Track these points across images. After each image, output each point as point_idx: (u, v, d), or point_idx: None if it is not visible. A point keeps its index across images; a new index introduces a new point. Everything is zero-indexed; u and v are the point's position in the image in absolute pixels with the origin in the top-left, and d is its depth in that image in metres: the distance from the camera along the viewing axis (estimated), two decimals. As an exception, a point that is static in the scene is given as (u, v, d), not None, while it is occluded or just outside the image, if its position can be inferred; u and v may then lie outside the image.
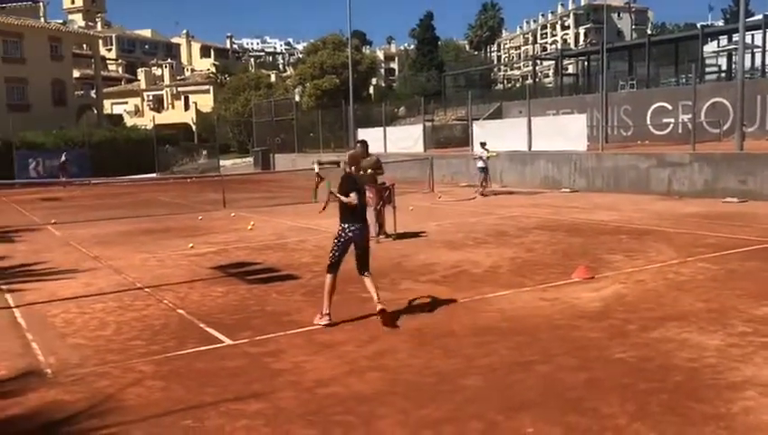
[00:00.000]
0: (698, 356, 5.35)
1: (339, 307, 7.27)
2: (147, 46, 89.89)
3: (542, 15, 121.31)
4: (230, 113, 53.02)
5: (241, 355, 5.84)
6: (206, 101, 63.17)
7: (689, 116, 21.65)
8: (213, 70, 71.49)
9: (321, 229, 13.66)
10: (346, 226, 6.59)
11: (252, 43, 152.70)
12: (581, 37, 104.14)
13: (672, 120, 26.09)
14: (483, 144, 19.99)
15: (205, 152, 40.05)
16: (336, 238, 6.64)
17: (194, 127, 59.74)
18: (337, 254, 6.59)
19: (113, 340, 6.40)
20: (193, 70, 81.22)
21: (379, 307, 6.53)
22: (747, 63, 28.41)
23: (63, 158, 33.73)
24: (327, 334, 6.30)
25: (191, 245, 11.95)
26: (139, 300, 8.01)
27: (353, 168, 6.81)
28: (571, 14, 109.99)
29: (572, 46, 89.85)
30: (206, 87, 67.92)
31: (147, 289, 8.58)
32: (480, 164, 19.81)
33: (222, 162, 40.84)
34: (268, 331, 6.48)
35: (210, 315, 7.14)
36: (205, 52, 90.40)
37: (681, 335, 5.90)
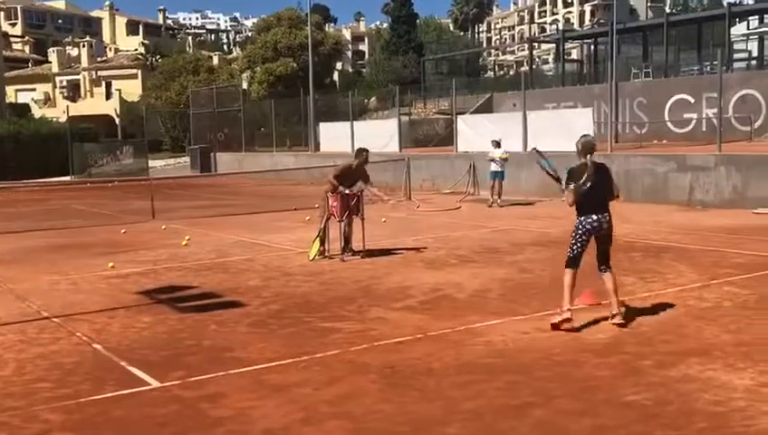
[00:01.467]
0: (725, 398, 5.42)
1: (293, 340, 7.24)
2: (60, 21, 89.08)
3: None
4: (162, 103, 52.72)
5: (171, 400, 5.76)
6: (132, 89, 62.74)
7: (715, 111, 22.05)
8: (141, 50, 71.10)
9: (274, 245, 13.61)
10: (583, 218, 7.51)
11: (189, 19, 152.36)
12: (587, 16, 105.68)
13: (694, 116, 26.60)
14: (497, 143, 19.87)
15: (131, 150, 39.65)
16: (573, 231, 7.57)
17: (117, 120, 59.23)
18: (575, 247, 7.53)
19: (13, 382, 6.28)
20: (117, 50, 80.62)
21: (615, 318, 7.39)
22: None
23: None
24: (279, 374, 6.26)
25: (111, 264, 11.81)
26: (47, 332, 7.87)
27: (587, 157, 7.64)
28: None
29: (576, 27, 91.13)
30: (133, 71, 67.50)
31: (56, 319, 8.43)
32: (494, 167, 19.76)
33: (151, 163, 40.46)
34: (205, 370, 6.41)
35: (134, 351, 7.05)
36: (132, 28, 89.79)
37: (705, 373, 5.97)
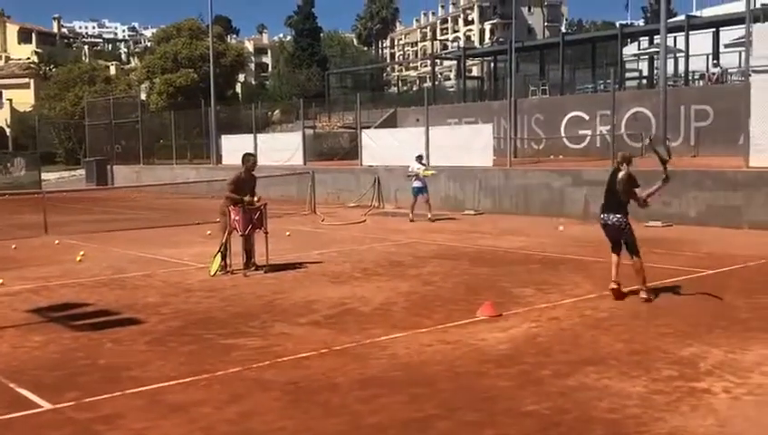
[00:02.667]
0: (620, 406, 5.60)
1: (194, 358, 7.08)
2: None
3: (443, 7, 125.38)
4: (56, 114, 50.95)
5: (64, 423, 5.54)
6: (24, 98, 60.43)
7: (608, 127, 22.89)
8: (34, 59, 68.56)
9: (173, 260, 13.30)
10: (601, 215, 9.39)
11: (86, 27, 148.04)
12: (487, 34, 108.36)
13: (589, 132, 27.55)
14: (419, 158, 19.80)
15: (22, 162, 38.07)
16: None
17: (8, 130, 56.83)
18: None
19: None
20: (8, 58, 77.46)
21: (641, 293, 9.18)
22: (670, 69, 30.51)
23: None
24: (178, 394, 6.10)
25: (0, 281, 11.29)
26: (-73, 354, 7.44)
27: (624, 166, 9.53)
28: (476, 7, 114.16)
29: (477, 44, 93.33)
30: (26, 80, 65.05)
31: (-62, 340, 7.99)
32: (416, 184, 19.25)
33: (45, 175, 38.94)
34: (100, 391, 6.18)
35: (24, 372, 6.74)
36: (24, 36, 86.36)
37: (600, 382, 6.16)
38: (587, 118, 28.03)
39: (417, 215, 19.15)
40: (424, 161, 19.84)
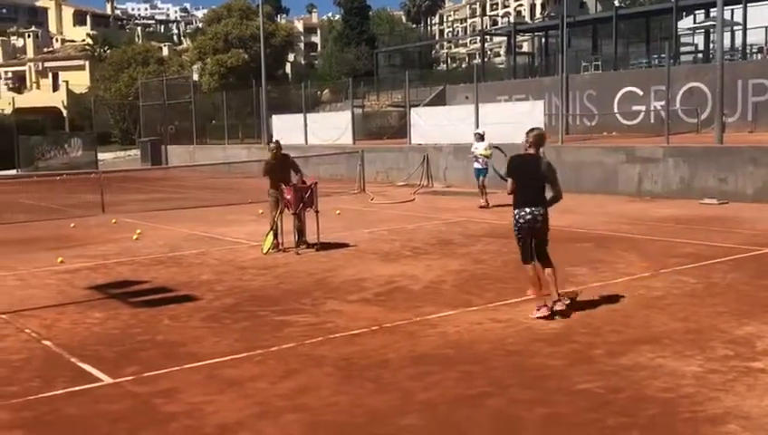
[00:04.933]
0: (674, 385, 5.54)
1: (248, 334, 7.20)
2: (4, 10, 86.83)
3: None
4: (111, 95, 51.84)
5: (124, 396, 5.69)
6: (80, 80, 61.53)
7: (663, 103, 22.46)
8: (89, 41, 69.74)
9: (227, 239, 13.50)
10: (516, 211, 7.56)
11: (138, 9, 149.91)
12: (538, 9, 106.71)
13: (643, 108, 27.04)
14: (480, 136, 18.10)
15: (79, 143, 38.92)
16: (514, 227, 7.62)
17: (65, 112, 58.05)
18: (519, 245, 7.61)
19: (-42, 380, 6.13)
20: (64, 41, 78.98)
21: (556, 307, 7.43)
22: (726, 43, 29.73)
23: None
24: (233, 369, 6.22)
25: (60, 259, 11.60)
26: (-7, 329, 7.71)
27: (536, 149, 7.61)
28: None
29: (528, 20, 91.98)
30: (81, 62, 66.25)
31: (3, 315, 8.26)
32: (476, 165, 17.80)
33: (101, 156, 39.79)
34: (159, 366, 6.34)
35: (85, 348, 6.94)
36: (79, 18, 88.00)
37: (654, 361, 6.10)
38: (641, 93, 27.50)
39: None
40: (486, 139, 17.92)
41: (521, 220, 7.48)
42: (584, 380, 5.70)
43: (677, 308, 7.76)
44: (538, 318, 7.33)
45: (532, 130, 7.82)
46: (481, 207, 17.11)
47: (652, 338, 6.72)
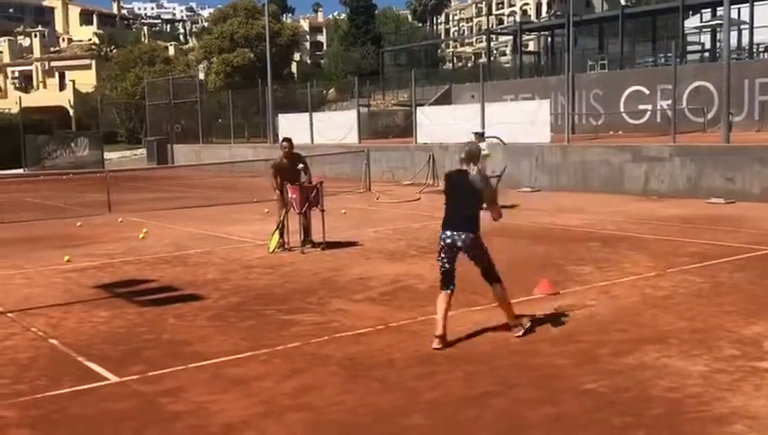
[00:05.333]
0: (680, 385, 5.53)
1: (253, 333, 7.21)
2: (11, 10, 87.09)
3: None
4: (117, 94, 51.98)
5: (130, 395, 5.70)
6: (86, 79, 61.72)
7: (669, 102, 22.42)
8: (96, 40, 69.92)
9: (233, 238, 13.51)
10: (441, 232, 6.83)
11: (145, 8, 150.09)
12: (544, 8, 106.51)
13: (649, 107, 27.02)
14: (480, 135, 17.34)
15: (86, 142, 39.04)
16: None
17: (71, 111, 58.21)
18: (439, 266, 6.85)
19: (-35, 379, 6.15)
20: (70, 40, 79.21)
21: (516, 331, 6.83)
22: (733, 42, 29.64)
23: None
24: (238, 368, 6.23)
25: (67, 258, 11.62)
26: (1, 327, 7.72)
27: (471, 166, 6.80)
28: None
29: (533, 19, 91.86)
30: (87, 61, 66.41)
31: (10, 314, 8.28)
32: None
33: (107, 155, 39.89)
34: (164, 365, 6.35)
35: (91, 346, 6.95)
36: (86, 17, 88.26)
37: (660, 361, 6.09)
38: (647, 93, 27.48)
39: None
40: (485, 139, 17.33)
41: (441, 243, 6.77)
42: (590, 379, 5.68)
43: (684, 308, 7.73)
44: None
45: (467, 144, 7.16)
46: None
47: (658, 337, 6.70)
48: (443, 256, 6.79)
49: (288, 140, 12.43)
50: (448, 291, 6.78)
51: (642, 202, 17.35)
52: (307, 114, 30.85)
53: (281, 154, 12.32)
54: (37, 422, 5.20)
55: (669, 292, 8.46)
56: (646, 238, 12.20)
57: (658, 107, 26.52)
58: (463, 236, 6.69)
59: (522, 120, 22.41)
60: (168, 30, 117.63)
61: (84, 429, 5.08)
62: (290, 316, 7.82)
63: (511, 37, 55.26)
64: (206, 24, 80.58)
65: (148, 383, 5.92)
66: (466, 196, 6.75)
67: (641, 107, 27.48)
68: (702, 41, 37.85)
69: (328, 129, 29.83)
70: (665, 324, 7.14)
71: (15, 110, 42.32)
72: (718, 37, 33.71)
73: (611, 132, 27.33)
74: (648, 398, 5.29)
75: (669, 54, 27.89)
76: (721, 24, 27.24)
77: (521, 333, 6.81)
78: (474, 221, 6.79)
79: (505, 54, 68.81)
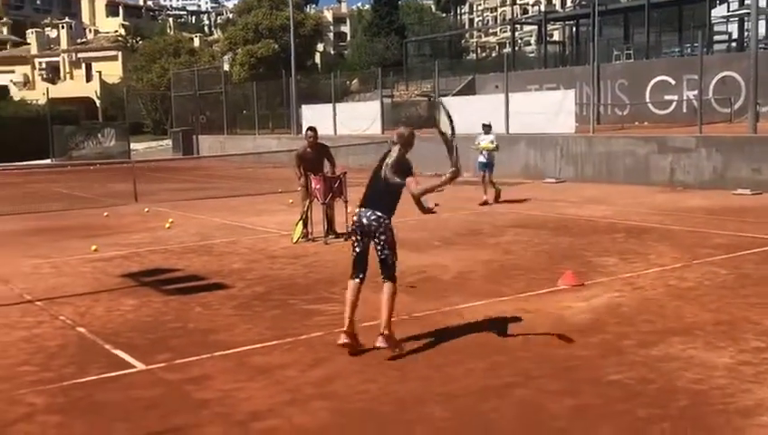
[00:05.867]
0: (705, 377, 5.49)
1: (278, 322, 7.25)
2: (39, 2, 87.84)
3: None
4: (143, 85, 52.31)
5: (157, 383, 5.76)
6: (113, 70, 62.11)
7: (695, 92, 22.18)
8: (122, 32, 70.37)
9: (257, 228, 13.59)
10: (357, 210, 6.45)
11: (170, 0, 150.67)
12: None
13: (675, 98, 26.73)
14: (487, 127, 16.49)
15: (112, 133, 39.38)
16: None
17: (98, 102, 58.68)
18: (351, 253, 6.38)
19: (-4, 366, 6.25)
20: (97, 32, 79.74)
21: (378, 339, 6.10)
22: (761, 31, 29.24)
23: None
24: (263, 356, 6.27)
25: (94, 247, 11.74)
26: (30, 316, 7.83)
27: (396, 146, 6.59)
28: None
29: (558, 8, 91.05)
30: (114, 53, 66.84)
31: (39, 302, 8.39)
32: (480, 158, 16.25)
33: (133, 146, 40.21)
34: (190, 353, 6.40)
35: (118, 334, 7.03)
36: (112, 9, 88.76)
37: (686, 352, 6.05)
38: (673, 83, 27.18)
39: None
40: (492, 131, 16.59)
41: (353, 224, 6.44)
42: (614, 371, 5.66)
43: (709, 299, 7.67)
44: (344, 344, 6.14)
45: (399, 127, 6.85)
46: (481, 204, 15.67)
47: (683, 329, 6.65)
48: (354, 236, 6.40)
49: (313, 129, 12.33)
50: (357, 280, 6.36)
51: (668, 193, 17.20)
52: (330, 105, 30.87)
53: (305, 143, 12.33)
54: (65, 409, 5.28)
55: (695, 283, 8.39)
56: (671, 230, 12.11)
57: (684, 97, 26.23)
58: (369, 215, 6.30)
59: (546, 111, 22.26)
60: (194, 21, 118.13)
61: (112, 416, 5.14)
62: (313, 306, 7.86)
63: (535, 27, 54.82)
64: (230, 16, 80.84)
65: (174, 371, 5.98)
66: (375, 176, 6.50)
67: (667, 97, 27.18)
68: (729, 30, 37.35)
69: (351, 119, 29.82)
70: (690, 316, 7.09)
71: (43, 101, 42.73)
72: (746, 26, 33.28)
73: (637, 123, 27.08)
74: (673, 389, 5.26)
75: (696, 44, 27.57)
76: (748, 13, 26.86)
77: (383, 346, 6.04)
78: (385, 203, 6.41)
79: (530, 44, 68.35)
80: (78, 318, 7.66)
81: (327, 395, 5.37)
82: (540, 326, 6.89)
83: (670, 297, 7.82)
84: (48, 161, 36.02)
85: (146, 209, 16.76)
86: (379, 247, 6.36)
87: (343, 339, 6.13)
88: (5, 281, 9.56)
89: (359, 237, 6.36)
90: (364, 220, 6.30)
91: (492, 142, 16.27)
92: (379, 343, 6.08)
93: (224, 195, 19.73)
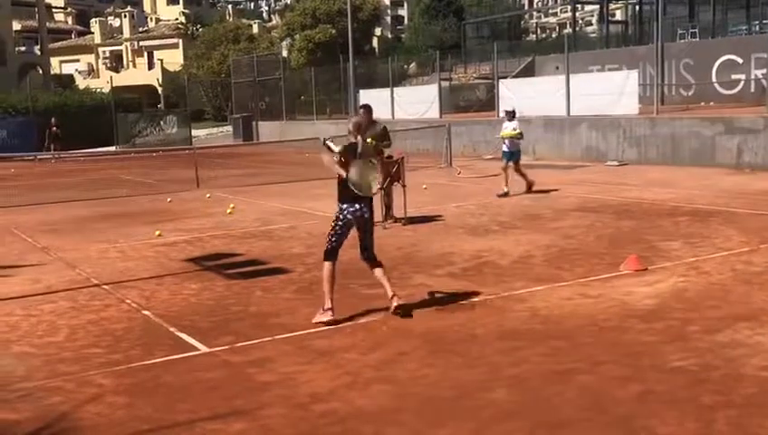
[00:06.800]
0: (774, 364, 5.36)
1: (338, 306, 7.30)
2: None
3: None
4: (204, 73, 53.00)
5: (219, 365, 5.88)
6: (174, 58, 63.14)
7: (764, 71, 21.52)
8: (182, 20, 71.34)
9: (317, 213, 13.69)
10: (344, 206, 6.89)
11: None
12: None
13: (743, 77, 25.89)
14: (511, 114, 15.65)
15: (174, 120, 40.08)
16: (334, 221, 6.97)
17: (160, 89, 59.74)
18: (333, 239, 6.90)
19: (66, 347, 6.45)
20: (158, 20, 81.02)
21: (393, 303, 6.76)
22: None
23: (54, 124, 33.90)
24: (324, 340, 6.34)
25: (158, 232, 11.99)
26: (97, 299, 8.06)
27: (358, 137, 7.06)
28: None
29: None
30: (175, 41, 67.86)
31: (105, 286, 8.62)
32: (504, 147, 15.37)
33: (195, 132, 40.87)
34: (252, 336, 6.51)
35: (182, 318, 7.18)
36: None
37: (753, 338, 5.91)
38: (740, 62, 26.32)
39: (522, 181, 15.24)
40: (518, 117, 15.76)
41: (348, 216, 6.93)
42: (678, 357, 5.57)
43: (778, 285, 7.47)
44: (317, 323, 6.65)
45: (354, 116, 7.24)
46: (501, 195, 14.62)
47: (751, 315, 6.50)
48: (343, 229, 6.90)
49: (366, 106, 11.63)
50: (334, 262, 6.87)
51: (734, 175, 16.74)
52: (388, 89, 30.83)
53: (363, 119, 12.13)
54: (132, 390, 5.42)
55: (763, 268, 8.17)
56: (738, 213, 11.79)
57: (752, 76, 25.40)
58: (365, 208, 6.92)
59: (608, 92, 21.86)
60: (252, 8, 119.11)
61: (177, 397, 5.27)
62: (372, 290, 7.87)
63: (597, 6, 53.67)
64: (288, 2, 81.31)
65: (236, 354, 6.09)
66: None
67: (734, 77, 26.36)
68: (800, 6, 36.01)
69: (409, 103, 29.75)
70: (758, 301, 6.92)
71: (107, 89, 43.70)
72: (818, 2, 32.07)
73: (702, 103, 26.38)
74: (738, 376, 5.15)
75: (765, 21, 26.71)
76: (822, -13, 25.88)
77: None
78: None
79: (591, 24, 67.08)
80: (143, 302, 7.85)
81: (387, 379, 5.41)
82: (603, 312, 6.81)
83: (737, 282, 7.64)
84: (113, 148, 36.86)
85: (207, 195, 17.03)
86: (369, 231, 7.03)
87: (330, 316, 6.69)
88: (74, 266, 9.84)
89: (347, 228, 6.98)
90: (366, 214, 6.97)
91: (515, 129, 15.20)
92: (395, 301, 6.77)
93: (283, 180, 19.92)
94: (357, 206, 6.83)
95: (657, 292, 7.38)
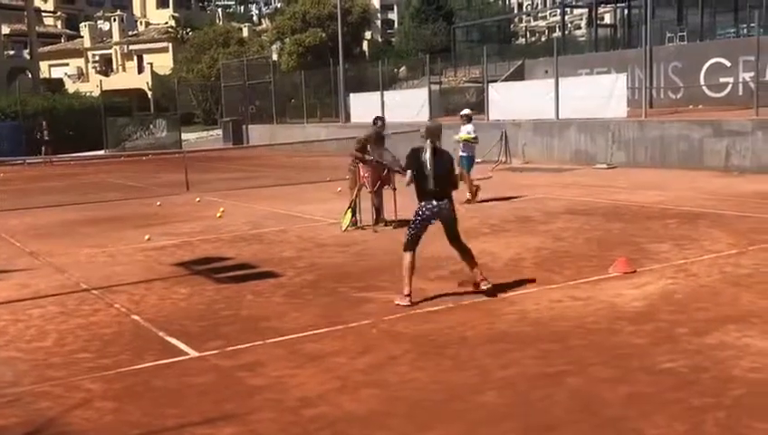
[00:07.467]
0: (762, 365, 5.38)
1: (328, 310, 7.30)
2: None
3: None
4: (194, 76, 52.91)
5: (209, 370, 5.86)
6: (164, 62, 62.99)
7: (752, 74, 21.61)
8: (172, 23, 71.20)
9: (306, 216, 13.68)
10: (422, 203, 7.47)
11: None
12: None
13: (731, 80, 26.02)
14: (467, 118, 15.05)
15: (164, 124, 39.97)
16: (413, 216, 7.58)
17: (150, 93, 59.59)
18: (412, 232, 7.53)
19: (54, 352, 6.42)
20: (148, 24, 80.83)
21: (482, 286, 7.45)
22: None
23: (45, 127, 33.82)
24: (314, 344, 6.33)
25: (148, 237, 11.96)
26: (86, 304, 8.02)
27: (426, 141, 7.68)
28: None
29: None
30: (164, 44, 67.69)
31: (95, 291, 8.59)
32: (461, 152, 14.50)
33: (184, 136, 40.73)
34: (242, 340, 6.50)
35: (171, 322, 7.16)
36: (162, 1, 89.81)
37: (741, 340, 5.93)
38: (728, 65, 26.46)
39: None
40: (472, 123, 15.05)
41: (426, 212, 7.53)
42: (668, 359, 5.58)
43: (766, 286, 7.50)
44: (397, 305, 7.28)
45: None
46: (465, 202, 13.71)
47: (739, 317, 6.52)
48: (421, 224, 7.53)
49: (381, 118, 12.87)
50: (414, 252, 7.50)
51: (723, 178, 16.82)
52: (378, 93, 30.85)
53: (373, 129, 12.41)
54: (121, 395, 5.40)
55: (751, 270, 8.21)
56: (726, 215, 11.85)
57: (740, 79, 25.53)
58: (447, 204, 7.53)
59: (597, 95, 21.93)
60: (242, 11, 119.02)
61: (166, 401, 5.25)
62: (363, 294, 7.90)
63: (586, 10, 53.87)
64: (278, 5, 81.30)
65: (226, 358, 6.08)
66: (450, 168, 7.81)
67: (722, 80, 26.50)
68: (787, 9, 36.22)
69: (399, 107, 29.74)
70: (746, 303, 6.95)
71: (97, 93, 43.57)
72: (806, 5, 32.24)
73: (691, 106, 26.48)
74: (728, 378, 5.17)
75: (752, 25, 26.77)
76: (809, -9, 26.05)
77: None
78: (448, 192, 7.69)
79: (580, 28, 67.24)
80: (132, 306, 7.82)
81: (377, 383, 5.40)
82: (592, 314, 6.83)
83: (725, 284, 7.67)
84: (102, 152, 36.73)
85: (197, 199, 16.99)
86: (450, 226, 7.63)
87: (408, 301, 7.28)
88: (62, 270, 9.80)
89: (424, 223, 7.55)
90: (444, 211, 7.51)
91: (469, 133, 14.71)
92: (484, 285, 7.49)
93: (273, 184, 19.90)
94: (434, 202, 7.40)
95: (645, 294, 7.40)
